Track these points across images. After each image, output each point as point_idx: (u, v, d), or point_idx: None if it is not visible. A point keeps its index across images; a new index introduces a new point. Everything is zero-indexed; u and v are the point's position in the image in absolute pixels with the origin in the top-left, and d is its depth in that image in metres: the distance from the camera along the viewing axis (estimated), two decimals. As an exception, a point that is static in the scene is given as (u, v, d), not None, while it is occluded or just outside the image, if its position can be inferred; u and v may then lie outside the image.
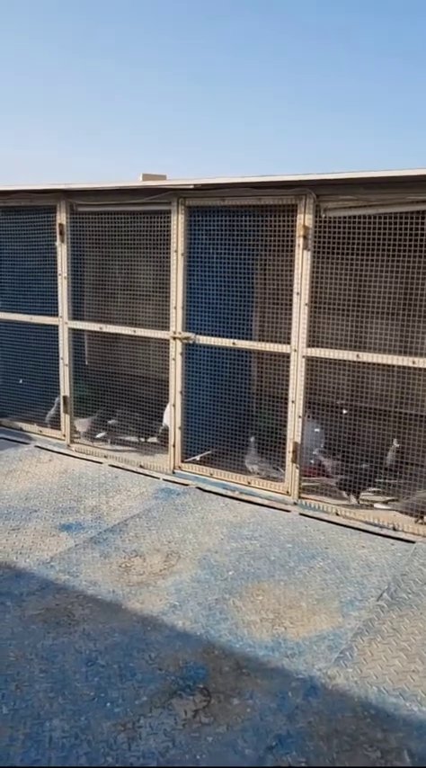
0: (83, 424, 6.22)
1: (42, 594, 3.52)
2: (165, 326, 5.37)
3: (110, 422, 6.27)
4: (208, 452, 5.61)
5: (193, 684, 2.84)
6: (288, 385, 4.88)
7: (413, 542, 4.32)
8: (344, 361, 5.11)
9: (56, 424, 6.24)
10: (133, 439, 6.24)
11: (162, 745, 2.48)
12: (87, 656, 3.00)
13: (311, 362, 4.88)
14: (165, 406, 5.79)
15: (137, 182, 5.06)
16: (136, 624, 3.28)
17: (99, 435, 6.18)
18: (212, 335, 5.23)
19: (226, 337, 5.18)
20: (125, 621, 3.30)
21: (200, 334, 5.26)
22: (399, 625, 3.33)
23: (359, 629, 3.28)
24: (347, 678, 2.90)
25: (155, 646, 3.10)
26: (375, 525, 4.57)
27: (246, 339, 5.46)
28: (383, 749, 2.49)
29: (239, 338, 5.25)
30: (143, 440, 6.18)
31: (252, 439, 5.47)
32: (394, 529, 4.51)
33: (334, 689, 2.83)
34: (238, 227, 5.08)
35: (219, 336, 5.20)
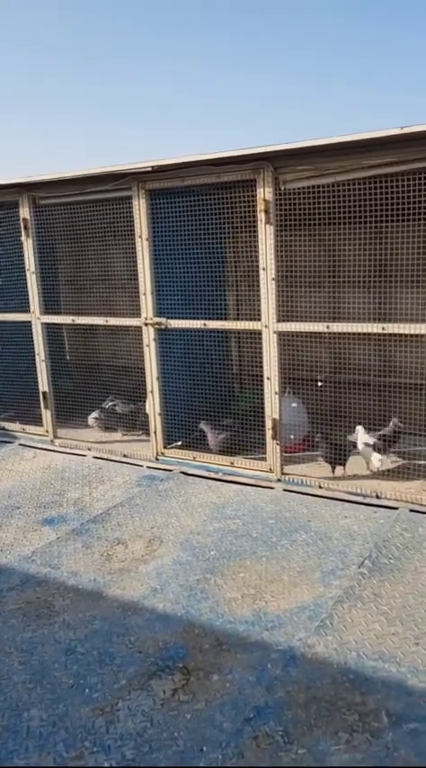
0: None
1: (23, 589, 3.52)
2: (139, 314, 5.33)
3: (93, 414, 6.26)
4: (192, 437, 5.58)
5: (173, 664, 2.83)
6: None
7: (396, 509, 4.32)
8: (320, 333, 5.09)
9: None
10: (117, 429, 6.23)
11: (139, 725, 2.48)
12: (67, 646, 3.00)
13: (286, 338, 4.85)
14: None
15: (94, 168, 4.99)
16: (116, 610, 3.27)
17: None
18: (187, 318, 5.19)
19: (199, 319, 5.14)
20: (106, 608, 3.30)
21: (174, 318, 5.22)
22: (380, 590, 3.33)
23: (339, 597, 3.28)
24: (326, 646, 2.90)
25: (134, 630, 3.10)
26: (358, 495, 4.56)
27: (221, 319, 5.42)
28: (361, 712, 2.49)
29: (214, 319, 5.21)
30: (126, 429, 6.17)
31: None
32: (378, 497, 4.51)
33: (314, 657, 2.83)
34: (204, 206, 5.01)
35: (192, 319, 5.17)
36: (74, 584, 3.54)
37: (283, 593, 3.36)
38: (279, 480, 4.90)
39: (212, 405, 5.43)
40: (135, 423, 6.06)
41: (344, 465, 4.91)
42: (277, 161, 4.39)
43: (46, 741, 2.43)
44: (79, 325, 6.10)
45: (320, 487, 4.73)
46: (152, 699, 2.62)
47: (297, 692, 2.63)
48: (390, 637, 2.94)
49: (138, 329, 5.45)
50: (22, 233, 5.70)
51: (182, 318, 5.19)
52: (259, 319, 4.82)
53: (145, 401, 5.91)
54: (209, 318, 5.16)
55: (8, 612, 3.29)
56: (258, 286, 4.77)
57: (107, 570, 3.68)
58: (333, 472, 4.89)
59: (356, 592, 3.32)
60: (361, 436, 4.99)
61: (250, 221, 4.71)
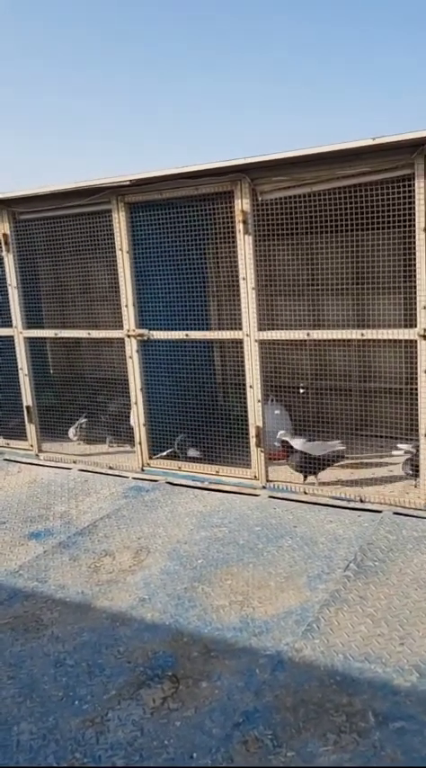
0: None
1: (10, 603, 3.51)
2: (122, 326, 5.36)
3: (72, 429, 6.28)
4: (175, 447, 5.60)
5: (162, 673, 2.85)
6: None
7: (380, 512, 4.37)
8: (303, 341, 5.17)
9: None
10: (102, 441, 6.24)
11: (130, 735, 2.50)
12: (56, 658, 3.00)
13: (268, 346, 4.90)
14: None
15: (73, 183, 5.03)
16: (105, 621, 3.28)
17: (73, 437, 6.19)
18: (169, 330, 5.23)
19: (181, 330, 5.18)
20: (94, 620, 3.30)
21: (157, 329, 5.26)
22: (366, 592, 3.37)
23: (326, 600, 3.32)
24: (314, 649, 2.94)
25: (123, 640, 3.11)
26: (342, 499, 4.62)
27: (204, 330, 5.47)
28: (348, 713, 2.52)
29: (196, 329, 5.26)
30: (111, 441, 6.18)
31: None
32: (362, 501, 4.56)
33: (301, 661, 2.87)
34: (184, 218, 5.07)
35: (177, 330, 5.21)
36: (61, 597, 3.54)
37: (270, 599, 3.39)
38: (264, 487, 4.94)
39: (196, 414, 5.46)
40: (119, 432, 6.08)
41: (316, 474, 4.93)
42: (254, 172, 4.47)
43: (36, 754, 2.43)
44: (62, 338, 6.12)
45: (305, 493, 4.78)
46: (142, 708, 2.64)
47: (285, 695, 2.65)
48: (376, 638, 2.98)
49: (121, 341, 5.48)
50: (2, 248, 5.72)
51: (165, 330, 5.23)
52: (240, 328, 4.87)
53: (129, 412, 5.95)
54: (191, 329, 5.21)
55: (-4, 627, 3.28)
56: (239, 296, 4.83)
57: (95, 582, 3.69)
58: (304, 480, 4.93)
59: (342, 595, 3.36)
60: (295, 441, 5.07)
61: (229, 232, 4.78)
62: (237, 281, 4.77)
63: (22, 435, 6.22)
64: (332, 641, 2.98)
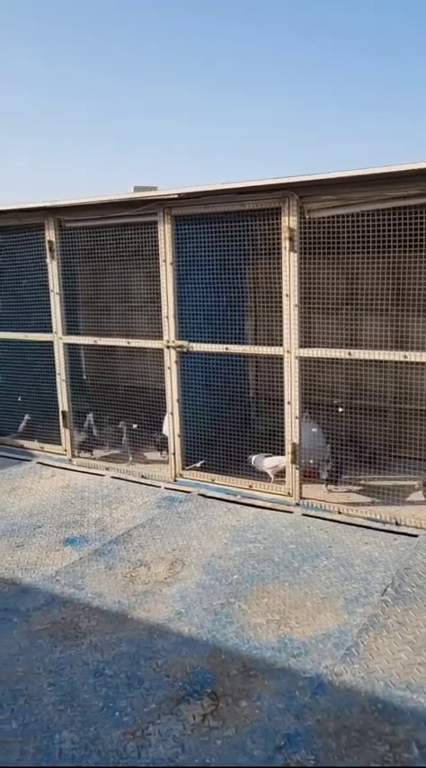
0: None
1: (48, 609, 3.54)
2: (160, 336, 5.41)
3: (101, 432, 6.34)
4: (207, 458, 5.60)
5: (201, 689, 2.85)
6: (283, 387, 4.90)
7: (416, 536, 4.33)
8: (339, 359, 5.15)
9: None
10: (133, 450, 6.26)
11: (171, 751, 2.50)
12: (95, 668, 3.02)
13: (306, 363, 4.90)
14: (165, 415, 5.81)
15: (122, 194, 5.10)
16: (142, 633, 3.29)
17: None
18: (206, 342, 5.25)
19: (221, 343, 5.21)
20: (131, 631, 3.32)
21: (195, 341, 5.29)
22: (404, 618, 3.34)
23: (364, 624, 3.29)
24: (354, 674, 2.91)
25: (161, 653, 3.12)
26: (377, 521, 4.58)
27: (240, 343, 5.49)
28: (391, 742, 2.50)
29: (233, 343, 5.28)
30: (141, 450, 6.21)
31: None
32: (397, 524, 4.52)
33: (342, 685, 2.84)
34: (228, 232, 5.10)
35: (214, 343, 5.23)
36: (98, 606, 3.56)
37: (307, 620, 3.37)
38: (297, 504, 4.92)
39: (229, 427, 5.46)
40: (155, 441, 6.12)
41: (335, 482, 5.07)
42: (302, 190, 4.49)
43: (79, 764, 2.45)
44: (99, 346, 6.19)
45: (339, 513, 4.75)
46: (182, 724, 2.64)
47: (326, 720, 2.64)
48: (417, 666, 2.95)
49: (157, 351, 5.51)
50: (47, 255, 5.81)
51: (203, 342, 5.26)
52: (277, 344, 4.88)
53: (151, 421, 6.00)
54: (229, 342, 5.23)
55: (35, 632, 3.31)
56: (277, 311, 4.83)
57: (131, 592, 3.70)
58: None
59: (380, 620, 3.33)
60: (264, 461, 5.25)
61: (270, 248, 4.80)
62: (275, 296, 4.79)
63: (55, 439, 6.28)
64: (372, 667, 2.96)
